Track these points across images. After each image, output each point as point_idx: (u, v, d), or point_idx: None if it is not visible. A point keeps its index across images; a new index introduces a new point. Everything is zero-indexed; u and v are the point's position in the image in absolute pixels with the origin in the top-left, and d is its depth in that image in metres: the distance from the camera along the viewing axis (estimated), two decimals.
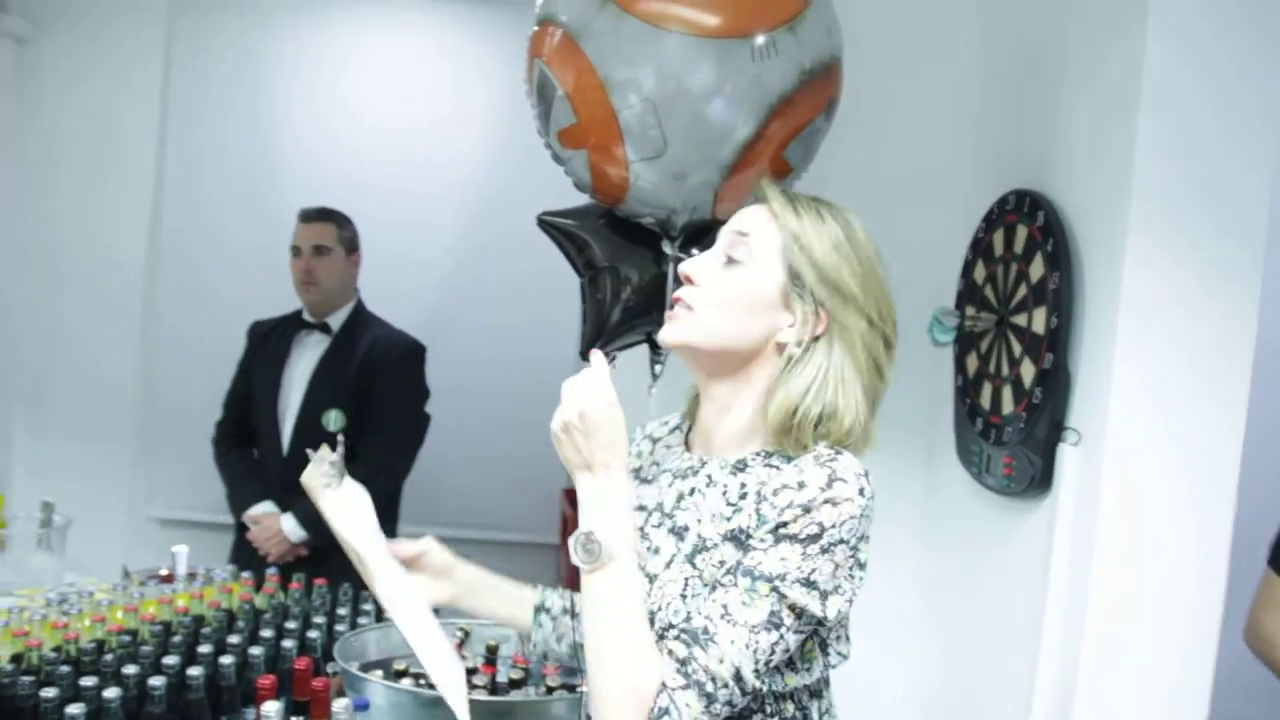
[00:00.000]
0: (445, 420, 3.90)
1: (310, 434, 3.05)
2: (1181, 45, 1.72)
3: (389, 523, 3.15)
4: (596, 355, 1.29)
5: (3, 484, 3.40)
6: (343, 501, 1.57)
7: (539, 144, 2.02)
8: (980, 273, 2.13)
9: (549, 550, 4.35)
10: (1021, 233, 1.98)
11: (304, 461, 3.05)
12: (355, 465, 3.03)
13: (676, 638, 1.18)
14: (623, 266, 1.98)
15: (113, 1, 3.81)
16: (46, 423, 3.84)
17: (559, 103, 1.87)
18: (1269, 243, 1.74)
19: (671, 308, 1.34)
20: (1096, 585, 1.77)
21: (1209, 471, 1.76)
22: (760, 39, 1.79)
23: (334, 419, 3.01)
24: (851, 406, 1.25)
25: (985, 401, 2.07)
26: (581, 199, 2.05)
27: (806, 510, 1.16)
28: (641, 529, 1.35)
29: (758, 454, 1.28)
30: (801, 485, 1.18)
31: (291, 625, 2.16)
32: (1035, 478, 1.90)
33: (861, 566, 1.21)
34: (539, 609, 1.57)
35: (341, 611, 2.33)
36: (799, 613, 1.16)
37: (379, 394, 3.09)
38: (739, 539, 1.22)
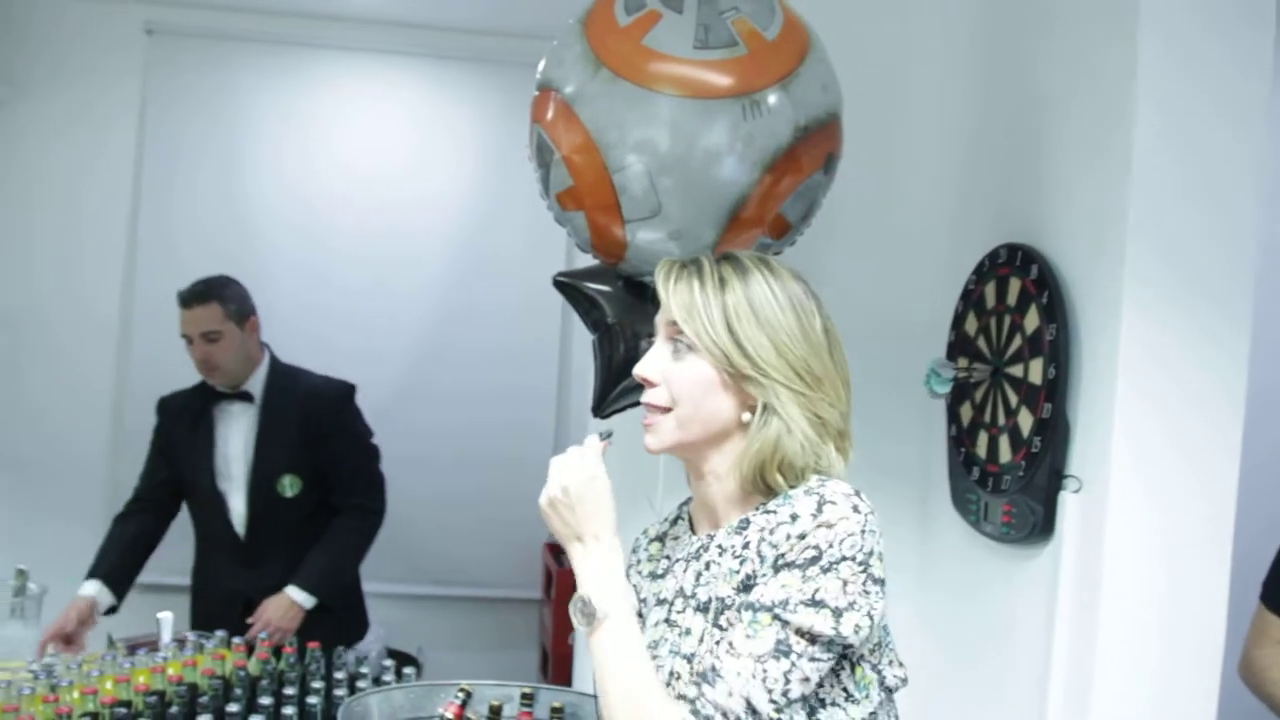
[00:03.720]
0: (427, 472, 3.88)
1: (265, 507, 3.00)
2: (1171, 103, 1.77)
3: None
4: (591, 437, 1.34)
5: None
6: None
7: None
8: (972, 324, 2.16)
9: (532, 605, 4.32)
10: (1014, 285, 2.01)
11: (261, 537, 2.94)
12: (338, 519, 2.99)
13: (689, 684, 1.21)
14: (631, 323, 2.00)
15: (88, 61, 3.82)
16: (17, 492, 3.77)
17: (556, 165, 1.90)
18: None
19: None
20: (1104, 629, 1.78)
21: (1208, 513, 1.79)
22: (753, 98, 1.82)
23: (289, 484, 3.01)
24: (801, 453, 1.28)
25: (981, 450, 2.10)
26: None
27: (802, 537, 1.20)
28: (668, 619, 1.36)
29: (757, 508, 1.31)
30: (794, 518, 1.23)
31: (290, 691, 2.13)
32: (1036, 525, 1.92)
33: (877, 581, 1.21)
34: None
35: (339, 675, 2.30)
36: (810, 636, 1.17)
37: (330, 446, 3.02)
38: (749, 585, 1.25)
